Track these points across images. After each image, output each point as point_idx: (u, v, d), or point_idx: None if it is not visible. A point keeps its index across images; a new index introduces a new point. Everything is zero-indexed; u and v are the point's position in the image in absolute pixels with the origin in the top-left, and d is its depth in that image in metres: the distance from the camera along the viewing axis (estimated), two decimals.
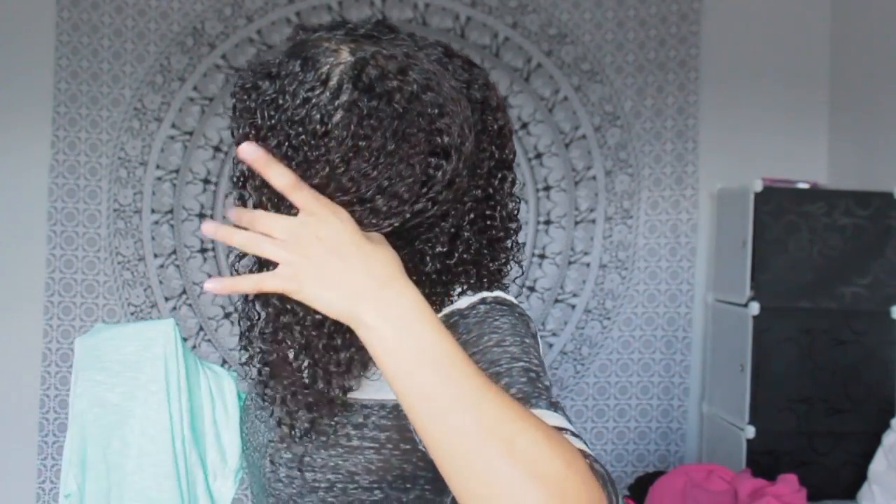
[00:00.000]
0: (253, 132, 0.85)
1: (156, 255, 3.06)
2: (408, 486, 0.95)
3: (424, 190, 0.87)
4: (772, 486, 2.42)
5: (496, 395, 0.72)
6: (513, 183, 0.99)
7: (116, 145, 3.03)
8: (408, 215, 0.88)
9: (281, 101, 0.83)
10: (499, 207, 0.98)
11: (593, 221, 3.17)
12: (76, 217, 3.02)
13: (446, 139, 0.86)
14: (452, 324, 0.90)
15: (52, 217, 3.01)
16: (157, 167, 3.05)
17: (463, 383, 0.72)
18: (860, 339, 2.74)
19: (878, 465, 2.57)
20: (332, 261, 0.78)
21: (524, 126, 3.14)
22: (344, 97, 0.82)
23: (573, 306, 3.18)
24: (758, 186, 2.77)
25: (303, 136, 0.83)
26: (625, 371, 3.18)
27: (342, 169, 0.83)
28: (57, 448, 3.04)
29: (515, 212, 1.00)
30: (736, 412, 2.83)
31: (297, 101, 0.83)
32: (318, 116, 0.82)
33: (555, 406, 0.80)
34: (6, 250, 3.03)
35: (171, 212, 3.07)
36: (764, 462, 2.70)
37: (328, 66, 0.84)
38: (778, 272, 2.75)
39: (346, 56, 0.84)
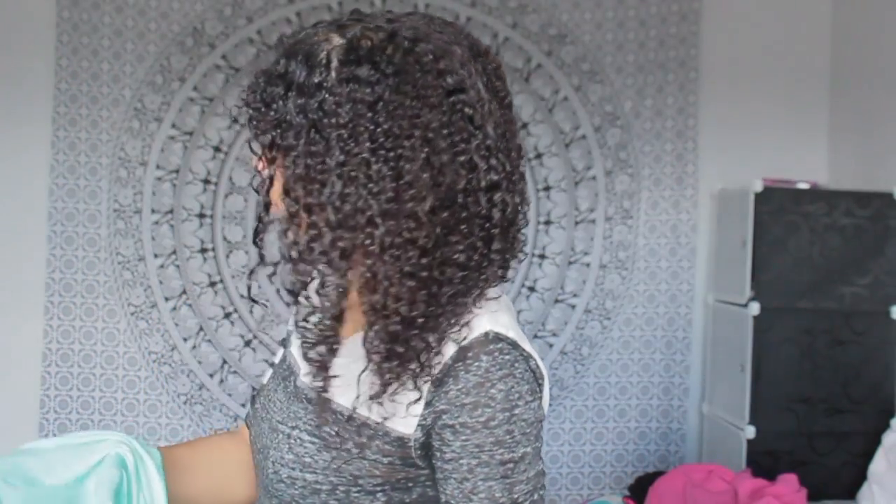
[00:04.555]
0: (277, 133, 0.92)
1: (156, 255, 3.06)
2: (410, 485, 0.96)
3: (462, 141, 0.91)
4: (772, 486, 2.42)
5: None
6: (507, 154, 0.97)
7: (116, 145, 3.03)
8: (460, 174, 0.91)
9: (300, 100, 0.90)
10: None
11: (593, 221, 3.17)
12: (76, 217, 3.02)
13: (452, 77, 0.91)
14: (454, 375, 0.92)
15: (52, 217, 3.01)
16: (157, 167, 3.05)
17: None
18: (860, 339, 2.74)
19: (878, 465, 2.57)
20: None
21: (524, 126, 3.14)
22: (345, 73, 0.89)
23: (573, 306, 3.18)
24: (758, 186, 2.77)
25: (325, 120, 0.89)
26: (625, 371, 3.18)
27: (375, 139, 0.88)
28: None
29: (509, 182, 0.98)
30: (736, 412, 2.83)
31: (312, 90, 0.89)
32: (332, 98, 0.89)
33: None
34: (6, 250, 3.03)
35: (171, 212, 3.07)
36: (764, 462, 2.70)
37: (325, 52, 0.91)
38: (778, 272, 2.75)
39: (337, 40, 0.92)
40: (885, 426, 2.63)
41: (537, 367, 0.96)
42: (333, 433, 0.96)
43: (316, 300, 0.97)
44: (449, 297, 0.93)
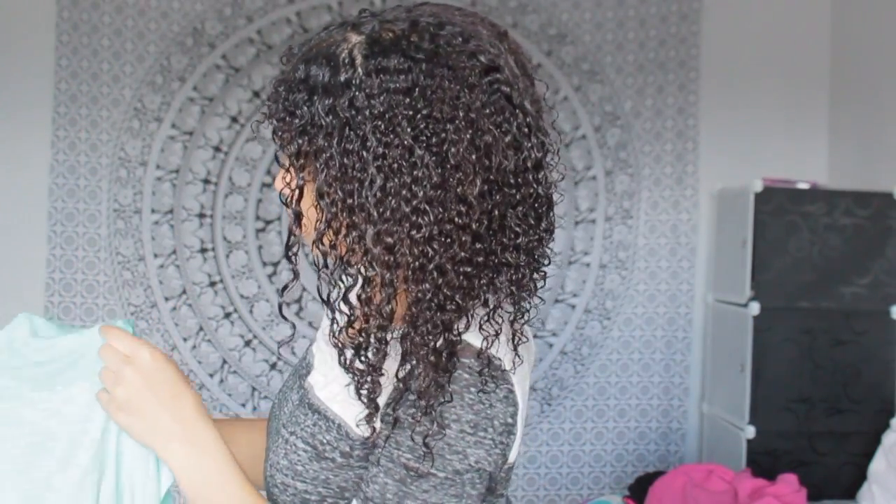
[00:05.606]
0: (304, 140, 0.89)
1: (156, 255, 3.06)
2: None
3: (504, 111, 0.89)
4: (772, 486, 2.42)
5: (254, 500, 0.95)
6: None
7: (116, 145, 3.03)
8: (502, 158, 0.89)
9: (327, 100, 0.87)
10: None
11: (593, 221, 3.17)
12: (76, 217, 3.02)
13: (485, 56, 0.88)
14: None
15: (52, 217, 3.01)
16: (157, 167, 3.06)
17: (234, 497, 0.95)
18: (860, 339, 2.74)
19: (878, 465, 2.57)
20: (146, 396, 0.94)
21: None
22: (372, 65, 0.86)
23: (573, 306, 3.18)
24: (758, 186, 2.77)
25: (358, 117, 0.86)
26: (625, 371, 3.18)
27: (416, 126, 0.85)
28: None
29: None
30: (736, 412, 2.83)
31: (339, 89, 0.86)
32: (363, 93, 0.86)
33: None
34: (6, 250, 3.03)
35: (171, 212, 3.07)
36: (764, 462, 2.70)
37: (346, 51, 0.88)
38: (778, 272, 2.75)
39: (355, 37, 0.89)
40: (885, 426, 2.63)
41: (513, 416, 0.91)
42: (325, 441, 0.95)
43: (339, 308, 0.93)
44: (509, 282, 0.91)
